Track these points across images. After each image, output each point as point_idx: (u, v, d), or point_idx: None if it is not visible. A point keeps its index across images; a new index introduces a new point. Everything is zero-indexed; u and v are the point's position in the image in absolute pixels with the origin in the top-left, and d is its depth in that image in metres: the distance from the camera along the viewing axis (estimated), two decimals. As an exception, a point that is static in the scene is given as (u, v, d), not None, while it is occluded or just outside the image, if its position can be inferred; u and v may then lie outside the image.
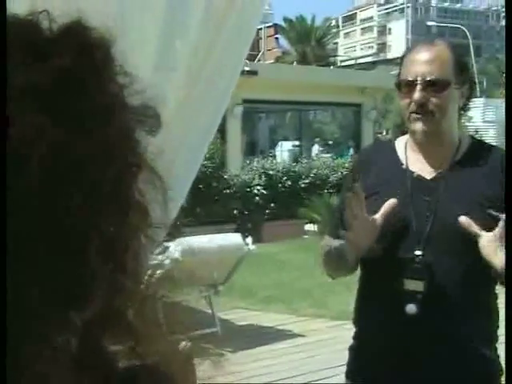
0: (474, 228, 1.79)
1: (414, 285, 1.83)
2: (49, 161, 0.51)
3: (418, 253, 1.86)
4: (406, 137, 2.04)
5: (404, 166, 1.99)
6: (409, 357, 1.87)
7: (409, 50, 2.04)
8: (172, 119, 1.60)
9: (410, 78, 1.93)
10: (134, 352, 0.61)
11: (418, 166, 1.98)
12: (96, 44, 0.57)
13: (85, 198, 0.53)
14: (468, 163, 1.97)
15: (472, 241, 1.81)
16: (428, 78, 1.91)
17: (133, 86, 0.59)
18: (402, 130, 2.09)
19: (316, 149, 19.65)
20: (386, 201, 1.88)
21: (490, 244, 1.77)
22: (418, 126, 1.92)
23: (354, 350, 2.06)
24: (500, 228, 1.75)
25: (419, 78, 1.92)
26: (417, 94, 1.90)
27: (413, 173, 1.97)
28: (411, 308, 1.82)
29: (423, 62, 1.94)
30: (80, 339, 0.56)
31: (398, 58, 2.08)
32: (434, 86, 1.91)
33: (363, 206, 1.84)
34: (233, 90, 1.80)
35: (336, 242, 1.99)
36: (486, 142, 2.18)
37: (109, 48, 0.58)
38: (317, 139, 20.64)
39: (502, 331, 1.79)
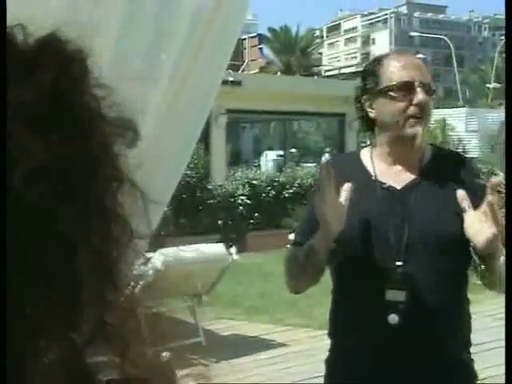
0: (465, 204, 1.81)
1: (396, 295, 1.84)
2: (34, 177, 0.51)
3: (398, 263, 1.86)
4: (369, 148, 2.03)
5: (373, 178, 1.97)
6: (392, 368, 1.87)
7: (379, 60, 2.00)
8: (154, 129, 1.60)
9: (409, 80, 1.90)
10: (119, 365, 0.61)
11: (387, 176, 1.97)
12: (73, 57, 0.57)
13: (71, 213, 0.53)
14: (434, 170, 1.97)
15: (446, 247, 1.87)
16: (424, 81, 1.91)
17: (110, 98, 0.59)
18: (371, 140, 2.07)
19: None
20: (358, 214, 1.87)
21: (475, 222, 1.78)
22: (418, 130, 1.90)
23: (332, 363, 2.03)
24: (485, 205, 1.76)
25: (418, 80, 1.91)
26: (420, 96, 1.88)
27: (383, 184, 1.95)
28: (393, 318, 1.83)
29: (415, 67, 1.95)
30: (69, 354, 0.56)
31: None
32: (428, 89, 1.92)
33: (333, 187, 1.78)
34: (214, 99, 1.80)
35: (300, 250, 1.94)
36: (446, 148, 2.19)
37: (85, 61, 0.58)
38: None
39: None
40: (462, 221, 1.82)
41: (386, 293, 1.84)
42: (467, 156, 2.01)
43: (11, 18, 0.57)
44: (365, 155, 2.04)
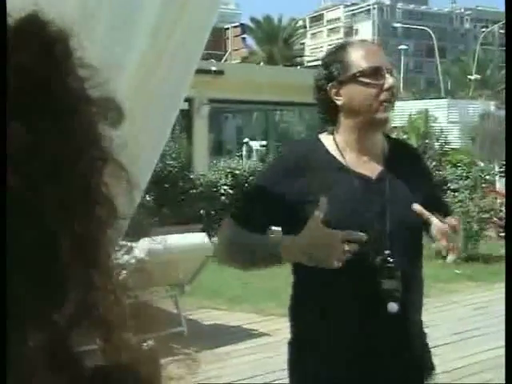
0: (426, 215, 1.85)
1: (391, 284, 1.86)
2: (19, 161, 0.51)
3: (387, 252, 1.88)
4: (329, 136, 2.02)
5: (346, 167, 1.96)
6: (389, 354, 1.91)
7: (343, 48, 2.01)
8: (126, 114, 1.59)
9: (378, 66, 1.93)
10: (104, 351, 0.61)
11: (358, 165, 1.97)
12: (55, 38, 0.56)
13: (56, 195, 0.53)
14: (396, 161, 2.01)
15: (417, 234, 1.96)
16: (390, 67, 1.96)
17: (94, 79, 0.58)
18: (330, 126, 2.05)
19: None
20: (341, 204, 1.86)
21: (441, 231, 1.81)
22: (388, 115, 1.95)
23: (312, 353, 1.96)
24: (451, 221, 1.83)
25: (385, 66, 1.95)
26: (390, 80, 1.93)
27: (357, 173, 1.96)
28: (393, 306, 1.85)
29: (380, 54, 2.00)
30: (53, 338, 0.56)
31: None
32: (393, 74, 1.97)
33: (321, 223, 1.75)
34: (187, 87, 1.79)
35: (250, 239, 1.93)
36: (398, 138, 2.22)
37: (67, 41, 0.57)
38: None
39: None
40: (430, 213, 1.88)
41: (382, 283, 1.86)
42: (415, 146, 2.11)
43: None
44: (328, 143, 2.01)
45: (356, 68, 1.93)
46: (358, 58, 1.94)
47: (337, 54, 2.00)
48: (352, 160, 1.97)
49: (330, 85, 1.97)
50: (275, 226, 1.99)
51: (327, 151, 1.99)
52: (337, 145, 1.99)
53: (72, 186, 0.55)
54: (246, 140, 19.70)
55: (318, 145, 2.02)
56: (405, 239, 1.93)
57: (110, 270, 0.61)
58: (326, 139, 2.02)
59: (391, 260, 1.87)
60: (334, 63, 1.98)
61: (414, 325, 1.98)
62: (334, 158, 1.98)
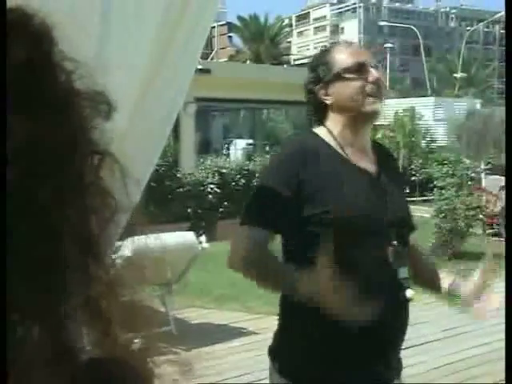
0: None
1: (404, 272, 1.96)
2: (13, 155, 0.51)
3: (394, 243, 1.96)
4: (324, 131, 2.05)
5: (349, 162, 2.00)
6: (395, 338, 2.01)
7: (327, 51, 2.09)
8: (127, 118, 1.58)
9: (362, 61, 2.00)
10: (100, 343, 0.61)
11: (358, 160, 2.02)
12: (42, 31, 0.56)
13: (55, 189, 0.53)
14: (381, 158, 2.10)
15: (409, 228, 2.10)
16: (374, 63, 2.03)
17: (78, 72, 0.58)
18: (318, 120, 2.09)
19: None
20: (347, 199, 1.91)
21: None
22: (377, 107, 2.00)
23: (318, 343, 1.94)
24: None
25: (369, 61, 2.02)
26: (374, 73, 2.00)
27: (360, 168, 2.01)
28: (410, 293, 1.96)
29: (362, 52, 2.08)
30: (49, 329, 0.56)
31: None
32: (378, 69, 2.04)
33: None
34: (187, 87, 1.80)
35: (274, 263, 1.94)
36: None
37: (52, 33, 0.57)
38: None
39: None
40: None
41: (398, 271, 1.94)
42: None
43: None
44: (327, 137, 2.04)
45: (340, 66, 2.00)
46: (341, 57, 2.02)
47: (322, 57, 2.08)
48: (351, 154, 2.02)
49: (317, 87, 2.03)
50: (290, 222, 1.94)
51: (329, 146, 2.02)
52: (334, 139, 2.02)
53: (70, 179, 0.55)
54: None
55: (317, 139, 2.04)
56: (402, 231, 2.03)
57: (109, 264, 0.62)
58: (323, 134, 2.05)
59: (400, 250, 1.96)
60: (320, 65, 2.05)
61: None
62: (337, 152, 2.01)
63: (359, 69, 1.99)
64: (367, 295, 1.89)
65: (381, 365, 1.98)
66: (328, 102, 2.03)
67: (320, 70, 2.03)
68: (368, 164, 2.03)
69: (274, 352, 2.08)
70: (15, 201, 0.51)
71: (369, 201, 1.96)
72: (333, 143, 2.02)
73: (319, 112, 2.07)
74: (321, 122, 2.07)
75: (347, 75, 1.99)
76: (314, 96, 2.05)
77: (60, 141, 0.54)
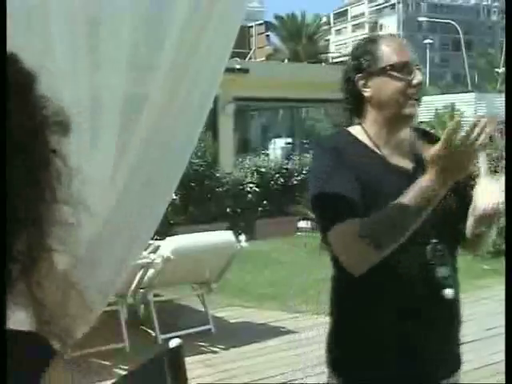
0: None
1: (444, 271, 1.93)
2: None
3: (434, 241, 1.93)
4: (358, 127, 2.02)
5: (386, 160, 1.97)
6: (438, 336, 1.97)
7: (372, 40, 2.01)
8: (157, 119, 1.59)
9: (408, 61, 1.95)
10: (34, 322, 0.71)
11: (394, 158, 1.98)
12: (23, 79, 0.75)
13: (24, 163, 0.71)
14: (422, 152, 1.99)
15: (456, 224, 1.99)
16: (418, 64, 1.97)
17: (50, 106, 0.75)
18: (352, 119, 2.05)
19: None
20: (385, 199, 1.81)
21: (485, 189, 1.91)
22: (415, 111, 1.96)
23: (360, 342, 2.01)
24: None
25: (415, 62, 1.96)
26: (419, 77, 1.95)
27: (397, 166, 1.97)
28: (449, 292, 1.93)
29: (408, 49, 1.99)
30: None
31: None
32: (421, 72, 1.98)
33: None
34: (218, 86, 1.79)
35: (386, 210, 1.82)
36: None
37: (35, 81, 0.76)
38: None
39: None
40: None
41: (437, 270, 1.92)
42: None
43: None
44: (361, 136, 2.01)
45: (386, 61, 1.95)
46: (388, 52, 1.96)
47: (367, 47, 2.01)
48: (387, 153, 1.98)
49: (358, 76, 1.99)
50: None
51: (365, 145, 1.99)
52: (370, 138, 1.99)
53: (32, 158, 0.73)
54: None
55: (350, 138, 2.01)
56: (444, 228, 1.95)
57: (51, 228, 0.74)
58: (357, 133, 2.02)
59: (440, 248, 1.92)
60: (364, 55, 1.99)
61: (459, 309, 2.05)
62: (373, 151, 1.98)
63: (404, 68, 1.94)
64: (406, 293, 1.92)
65: (428, 364, 1.96)
66: (366, 94, 1.98)
67: (363, 59, 1.98)
68: (404, 162, 1.98)
69: (339, 367, 2.09)
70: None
71: None
72: (367, 141, 1.99)
73: (355, 102, 2.02)
74: (356, 114, 2.03)
75: (392, 73, 1.94)
76: (353, 85, 2.00)
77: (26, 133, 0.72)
